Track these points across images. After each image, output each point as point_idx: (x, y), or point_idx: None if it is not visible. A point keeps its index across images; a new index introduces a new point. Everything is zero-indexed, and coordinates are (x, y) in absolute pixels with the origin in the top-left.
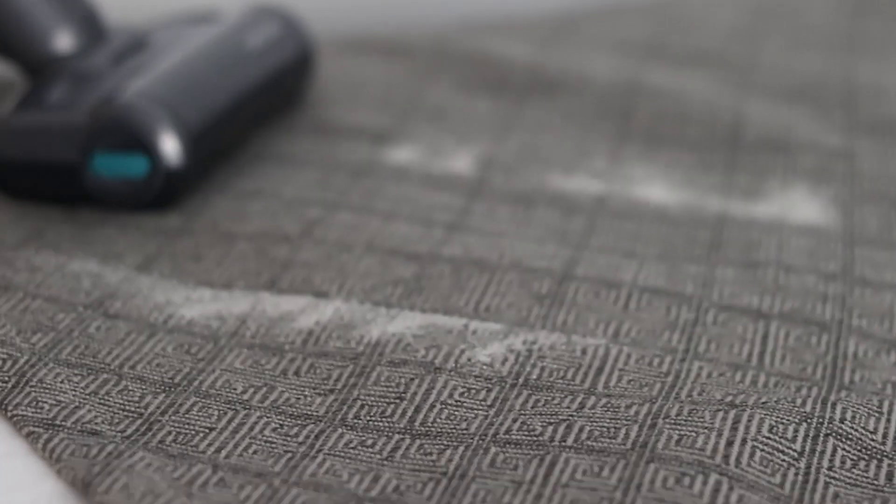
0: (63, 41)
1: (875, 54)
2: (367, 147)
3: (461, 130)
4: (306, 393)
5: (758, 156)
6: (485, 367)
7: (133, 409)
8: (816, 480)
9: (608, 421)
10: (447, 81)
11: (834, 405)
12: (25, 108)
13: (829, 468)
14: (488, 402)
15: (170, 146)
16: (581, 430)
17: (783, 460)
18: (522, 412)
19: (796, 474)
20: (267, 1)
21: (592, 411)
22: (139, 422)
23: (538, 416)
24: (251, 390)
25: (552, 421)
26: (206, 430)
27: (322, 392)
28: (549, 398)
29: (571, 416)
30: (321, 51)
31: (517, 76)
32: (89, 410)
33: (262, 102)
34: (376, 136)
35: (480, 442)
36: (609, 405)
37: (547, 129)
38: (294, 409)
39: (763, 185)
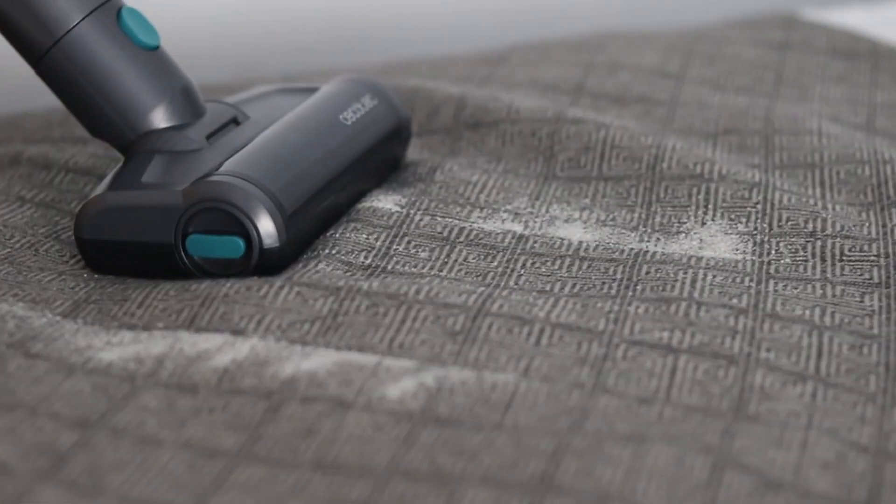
0: (158, 118)
1: (796, 90)
2: None
3: (394, 175)
4: (217, 430)
5: (677, 193)
6: (395, 402)
7: (46, 445)
8: None
9: (512, 454)
10: None
11: (737, 437)
12: (120, 187)
13: (730, 499)
14: (397, 437)
15: (266, 228)
16: (486, 463)
17: (685, 492)
18: (430, 447)
19: None
20: (359, 73)
21: (498, 446)
22: (50, 458)
23: (445, 451)
24: (163, 428)
25: (458, 454)
26: (117, 467)
27: (233, 429)
28: (457, 433)
29: (477, 450)
30: (236, 90)
31: (444, 115)
32: (2, 447)
33: (359, 175)
34: None
35: (387, 476)
36: (515, 440)
37: (472, 168)
38: (204, 446)
39: (681, 222)
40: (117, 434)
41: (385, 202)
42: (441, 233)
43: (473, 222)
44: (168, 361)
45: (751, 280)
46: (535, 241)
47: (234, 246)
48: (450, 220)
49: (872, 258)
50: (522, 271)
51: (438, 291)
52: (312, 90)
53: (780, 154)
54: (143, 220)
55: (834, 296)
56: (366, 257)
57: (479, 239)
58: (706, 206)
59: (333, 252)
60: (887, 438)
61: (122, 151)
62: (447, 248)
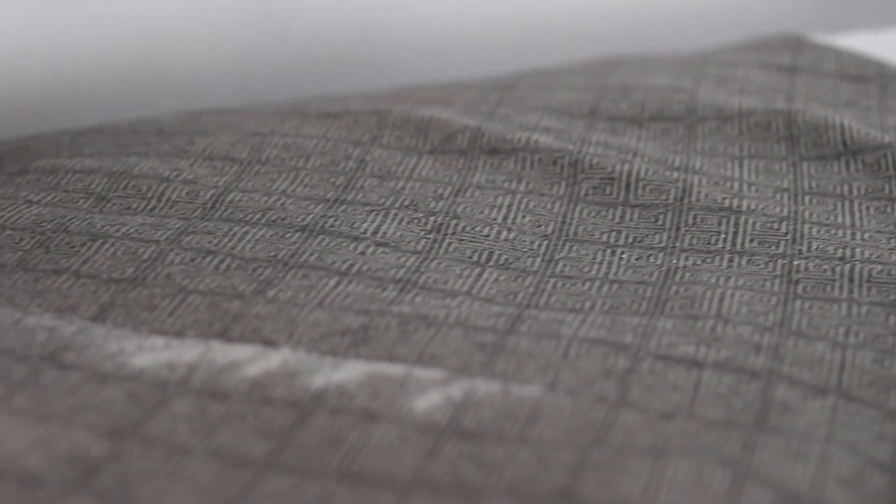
0: None
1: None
2: (319, 208)
3: (411, 192)
4: (247, 438)
5: (707, 221)
6: (421, 415)
7: (78, 456)
8: None
9: (535, 467)
10: (390, 145)
11: (757, 450)
12: None
13: None
14: (421, 449)
15: None
16: (508, 476)
17: None
18: (454, 459)
19: None
20: None
21: (521, 459)
22: (82, 469)
23: (469, 464)
24: (194, 436)
25: (481, 467)
26: (147, 476)
27: (262, 436)
28: (481, 446)
29: (500, 462)
30: (260, 118)
31: (460, 139)
32: (35, 458)
33: None
34: (325, 199)
35: (410, 487)
36: (538, 453)
37: (496, 191)
38: (233, 453)
39: (710, 245)
40: (148, 443)
41: (411, 222)
42: (471, 253)
43: (503, 243)
44: (200, 369)
45: (778, 300)
46: (564, 263)
47: None
48: (479, 240)
49: None
50: (552, 291)
51: (469, 315)
52: None
53: (809, 181)
54: None
55: (859, 315)
56: (398, 275)
57: (510, 260)
58: (735, 233)
59: (366, 271)
60: None
61: None
62: (478, 268)
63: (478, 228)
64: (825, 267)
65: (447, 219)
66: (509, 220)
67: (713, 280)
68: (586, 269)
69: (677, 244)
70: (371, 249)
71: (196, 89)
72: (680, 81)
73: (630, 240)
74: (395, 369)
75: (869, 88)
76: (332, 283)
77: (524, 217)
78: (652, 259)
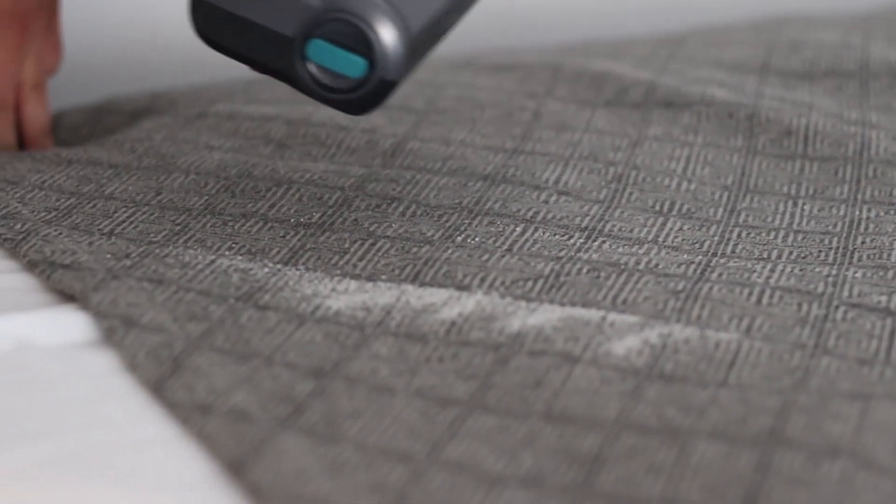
0: None
1: None
2: (499, 158)
3: (588, 143)
4: (449, 379)
5: (887, 173)
6: (621, 358)
7: (283, 393)
8: None
9: (740, 410)
10: (564, 97)
11: None
12: None
13: None
14: (624, 391)
15: (391, 57)
16: (713, 418)
17: None
18: (657, 401)
19: None
20: None
21: (724, 402)
22: (289, 406)
23: (672, 405)
24: (396, 376)
25: (685, 410)
26: (353, 415)
27: (464, 378)
28: (683, 389)
29: (704, 405)
30: (437, 69)
31: (634, 92)
32: (241, 395)
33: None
34: (504, 149)
35: (616, 428)
36: (741, 396)
37: (672, 143)
38: (437, 394)
39: (893, 196)
40: (351, 382)
41: (591, 172)
42: (653, 203)
43: (684, 194)
44: (395, 312)
45: None
46: (746, 213)
47: (355, 65)
48: (660, 190)
49: None
50: (738, 240)
51: (658, 262)
52: None
53: None
54: (276, 6)
55: None
56: (583, 223)
57: (693, 209)
58: None
59: (551, 219)
60: None
61: None
62: (661, 217)
63: (658, 179)
64: None
65: (627, 169)
66: (689, 172)
67: None
68: (769, 220)
69: (859, 196)
70: (554, 198)
71: None
72: (850, 38)
73: (811, 191)
74: (591, 314)
75: None
76: (519, 230)
77: (703, 168)
78: (834, 210)
